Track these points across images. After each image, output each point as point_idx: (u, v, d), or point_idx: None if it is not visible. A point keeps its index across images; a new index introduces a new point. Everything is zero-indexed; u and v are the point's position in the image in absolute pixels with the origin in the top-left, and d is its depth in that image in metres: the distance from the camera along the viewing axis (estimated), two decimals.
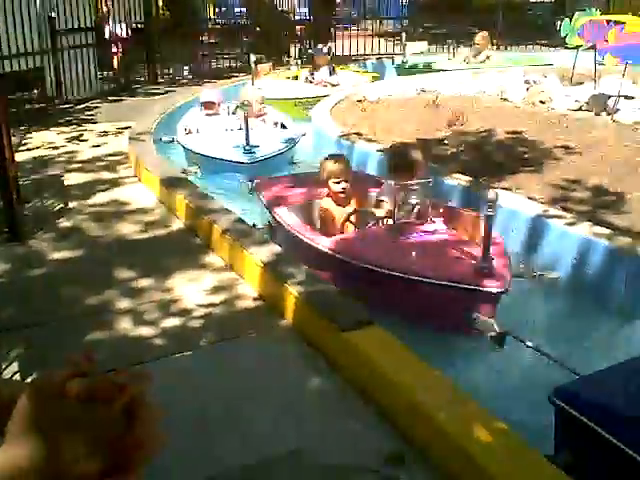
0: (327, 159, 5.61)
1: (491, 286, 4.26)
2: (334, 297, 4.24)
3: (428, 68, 13.86)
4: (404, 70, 14.01)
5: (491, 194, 4.28)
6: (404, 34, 15.44)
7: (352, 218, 5.39)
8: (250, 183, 6.55)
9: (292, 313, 4.28)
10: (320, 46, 12.30)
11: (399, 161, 5.42)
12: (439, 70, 13.33)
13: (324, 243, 5.00)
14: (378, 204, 5.34)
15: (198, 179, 7.36)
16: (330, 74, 11.73)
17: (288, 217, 5.52)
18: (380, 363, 3.58)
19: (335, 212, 5.47)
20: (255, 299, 4.66)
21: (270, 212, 5.86)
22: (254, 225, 5.85)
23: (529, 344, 4.21)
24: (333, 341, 3.86)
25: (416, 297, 4.48)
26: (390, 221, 5.09)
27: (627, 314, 5.00)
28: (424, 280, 4.42)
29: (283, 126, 8.72)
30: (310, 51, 12.51)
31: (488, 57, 14.14)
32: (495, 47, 15.50)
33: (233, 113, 8.56)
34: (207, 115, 8.77)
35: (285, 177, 6.89)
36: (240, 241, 5.06)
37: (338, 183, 5.42)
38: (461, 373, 4.09)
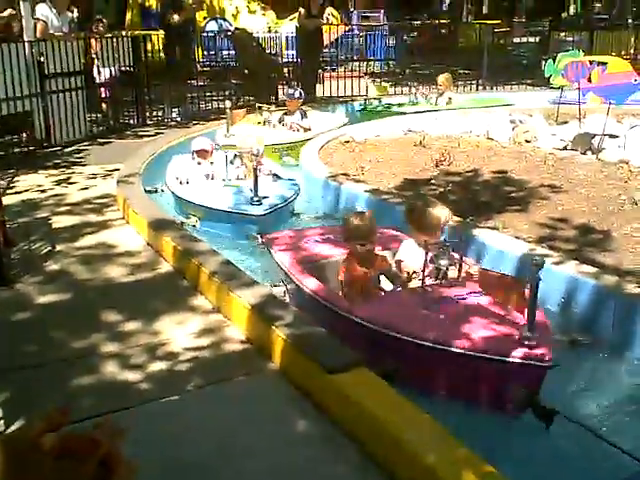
0: (351, 217, 5.17)
1: (540, 359, 3.95)
2: (322, 339, 4.23)
3: (389, 110, 13.87)
4: (368, 113, 14.08)
5: (538, 259, 3.99)
6: (367, 78, 15.77)
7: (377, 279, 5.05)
8: (259, 237, 6.26)
9: (279, 356, 4.26)
10: (291, 90, 11.99)
11: (424, 217, 4.96)
12: (402, 113, 13.28)
13: (350, 309, 4.62)
14: (399, 265, 4.99)
15: (196, 232, 7.03)
16: (302, 118, 11.52)
17: (306, 279, 5.07)
18: (367, 405, 3.56)
19: (358, 274, 4.97)
20: (242, 342, 4.64)
21: (284, 271, 5.45)
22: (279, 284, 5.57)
23: (579, 422, 3.90)
24: (320, 383, 3.84)
25: (454, 371, 4.19)
26: (414, 283, 4.79)
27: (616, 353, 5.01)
28: (465, 352, 4.08)
29: (276, 175, 8.38)
30: (283, 95, 12.33)
31: (450, 99, 14.02)
32: (456, 89, 15.58)
33: (231, 162, 8.17)
34: (200, 164, 8.41)
35: (295, 231, 6.49)
36: (228, 283, 5.05)
37: (363, 245, 5.00)
38: (504, 457, 3.76)
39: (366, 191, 7.63)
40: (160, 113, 13.37)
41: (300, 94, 11.89)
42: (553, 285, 5.42)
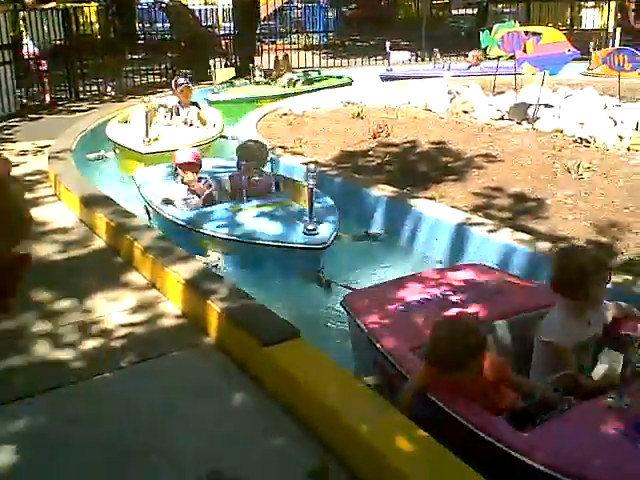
0: None
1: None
2: (258, 312, 4.19)
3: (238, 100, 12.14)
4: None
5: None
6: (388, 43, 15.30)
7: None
8: (321, 273, 5.34)
9: (215, 329, 4.21)
10: (181, 79, 9.72)
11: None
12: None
13: (512, 442, 2.91)
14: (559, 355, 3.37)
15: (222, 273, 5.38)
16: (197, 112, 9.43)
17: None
18: (303, 377, 3.54)
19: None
20: (178, 317, 4.57)
21: (386, 358, 3.62)
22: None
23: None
24: (256, 356, 3.81)
25: None
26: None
27: None
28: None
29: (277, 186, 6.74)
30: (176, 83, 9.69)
31: (291, 80, 13.04)
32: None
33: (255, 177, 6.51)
34: (185, 183, 6.46)
35: (384, 286, 4.58)
36: (162, 259, 4.96)
37: None
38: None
39: (303, 163, 7.59)
40: (94, 88, 13.06)
41: (190, 81, 10.05)
42: (489, 252, 5.49)
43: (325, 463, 3.11)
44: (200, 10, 17.09)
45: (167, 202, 6.33)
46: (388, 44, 15.44)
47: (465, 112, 10.22)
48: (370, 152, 8.29)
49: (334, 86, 13.18)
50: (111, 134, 8.96)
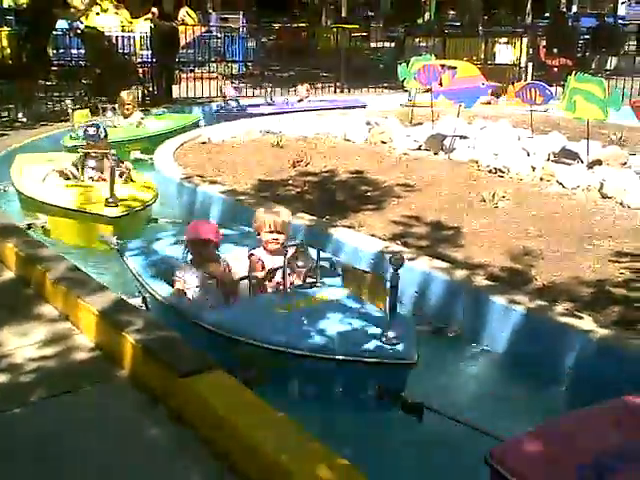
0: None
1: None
2: (173, 343, 4.09)
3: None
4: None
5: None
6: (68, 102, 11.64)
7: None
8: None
9: (130, 361, 4.09)
10: (92, 130, 7.74)
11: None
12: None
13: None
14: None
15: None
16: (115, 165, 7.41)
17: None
18: (222, 408, 3.46)
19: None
20: (92, 349, 4.43)
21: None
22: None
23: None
24: (171, 388, 3.71)
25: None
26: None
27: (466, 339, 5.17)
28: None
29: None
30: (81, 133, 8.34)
31: (142, 119, 11.27)
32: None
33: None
34: (192, 256, 5.17)
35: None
36: (75, 290, 4.81)
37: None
38: (381, 450, 3.87)
39: (221, 192, 7.53)
40: (5, 114, 12.71)
41: (105, 132, 7.89)
42: (407, 280, 5.52)
43: None
44: (117, 37, 16.84)
45: (179, 293, 4.95)
46: (228, 85, 14.86)
47: (383, 142, 10.36)
48: (289, 181, 8.29)
49: (183, 126, 11.68)
50: (33, 191, 7.59)
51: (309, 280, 4.76)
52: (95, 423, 3.68)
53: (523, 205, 7.49)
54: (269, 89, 14.97)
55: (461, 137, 9.98)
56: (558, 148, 9.58)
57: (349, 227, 6.67)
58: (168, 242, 5.85)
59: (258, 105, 13.74)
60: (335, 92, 17.61)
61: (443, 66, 10.69)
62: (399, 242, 6.30)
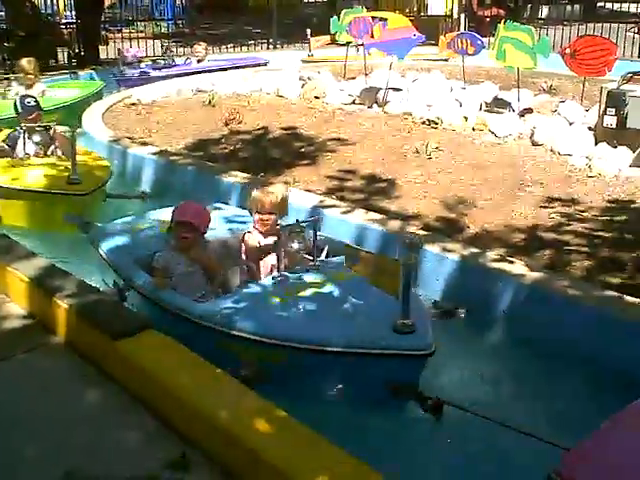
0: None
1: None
2: (107, 306, 4.02)
3: None
4: None
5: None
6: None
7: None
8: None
9: (64, 327, 4.01)
10: (29, 101, 6.99)
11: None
12: None
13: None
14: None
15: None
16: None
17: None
18: (157, 368, 3.43)
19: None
20: (24, 317, 4.32)
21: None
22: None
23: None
24: (106, 351, 3.66)
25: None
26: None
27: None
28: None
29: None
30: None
31: (44, 91, 9.68)
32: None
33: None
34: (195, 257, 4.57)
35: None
36: (2, 257, 4.68)
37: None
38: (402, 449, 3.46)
39: (153, 154, 7.39)
40: None
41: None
42: (343, 233, 5.54)
43: (184, 453, 3.03)
44: None
45: (161, 282, 4.41)
46: (128, 48, 13.97)
47: (317, 97, 10.29)
48: (222, 140, 8.19)
49: (88, 95, 10.57)
50: None
51: (309, 264, 4.26)
52: (32, 389, 3.61)
53: (456, 155, 7.56)
54: (170, 51, 14.49)
55: (394, 90, 9.97)
56: (490, 98, 9.67)
57: (285, 183, 6.62)
58: (144, 224, 5.15)
59: (160, 68, 13.14)
60: (268, 49, 17.39)
61: (374, 18, 10.63)
62: (334, 196, 6.30)
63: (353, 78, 11.21)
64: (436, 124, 8.77)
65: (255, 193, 4.53)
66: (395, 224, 5.52)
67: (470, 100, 9.43)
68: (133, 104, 9.98)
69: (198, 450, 3.04)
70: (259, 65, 13.71)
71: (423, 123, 8.85)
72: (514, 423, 3.30)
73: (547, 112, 9.06)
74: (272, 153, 7.71)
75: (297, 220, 4.21)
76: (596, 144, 7.61)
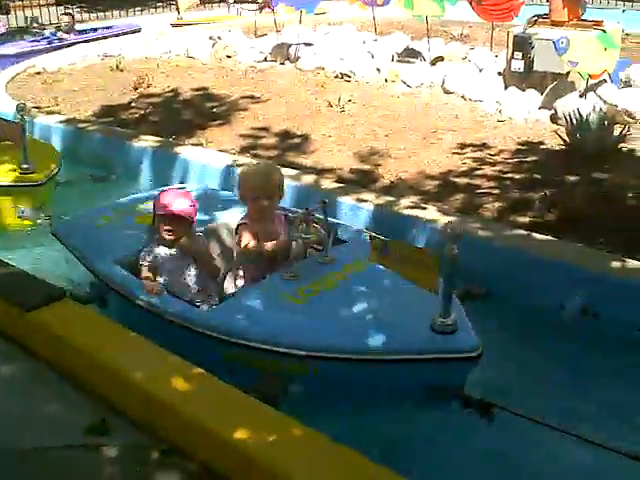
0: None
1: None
2: (19, 278, 3.91)
3: None
4: None
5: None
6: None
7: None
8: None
9: None
10: None
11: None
12: None
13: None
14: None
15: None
16: None
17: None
18: (72, 337, 3.36)
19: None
20: None
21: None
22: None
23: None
24: (21, 323, 3.56)
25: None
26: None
27: None
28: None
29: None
30: None
31: None
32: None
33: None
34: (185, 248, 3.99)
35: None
36: None
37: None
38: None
39: (60, 122, 7.17)
40: None
41: None
42: None
43: (104, 418, 3.00)
44: None
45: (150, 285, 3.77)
46: None
47: (228, 57, 10.12)
48: (132, 104, 7.99)
49: None
50: None
51: (320, 255, 3.72)
52: None
53: (369, 107, 7.57)
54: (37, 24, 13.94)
55: (306, 44, 9.88)
56: (402, 48, 9.69)
57: (197, 145, 6.54)
58: (116, 216, 4.46)
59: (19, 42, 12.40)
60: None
61: None
62: (248, 154, 6.24)
63: (264, 35, 11.07)
64: (349, 77, 8.75)
65: (247, 176, 3.90)
66: (309, 178, 5.51)
67: (382, 52, 9.43)
68: (37, 73, 9.62)
69: (118, 413, 3.01)
70: (133, 32, 13.23)
71: (336, 77, 8.81)
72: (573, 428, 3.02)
73: (458, 60, 9.14)
74: (184, 115, 7.57)
75: (306, 208, 3.54)
76: (506, 89, 7.73)
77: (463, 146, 6.38)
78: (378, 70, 8.85)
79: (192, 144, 6.53)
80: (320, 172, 5.75)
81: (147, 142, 6.52)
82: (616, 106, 6.88)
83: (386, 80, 8.62)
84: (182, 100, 8.09)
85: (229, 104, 7.80)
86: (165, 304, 3.57)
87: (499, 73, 8.20)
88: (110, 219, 4.39)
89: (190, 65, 9.81)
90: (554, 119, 6.91)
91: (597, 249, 4.27)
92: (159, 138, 6.65)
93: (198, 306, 3.71)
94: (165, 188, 4.51)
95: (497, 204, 5.08)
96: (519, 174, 5.65)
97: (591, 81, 7.22)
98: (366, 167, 5.95)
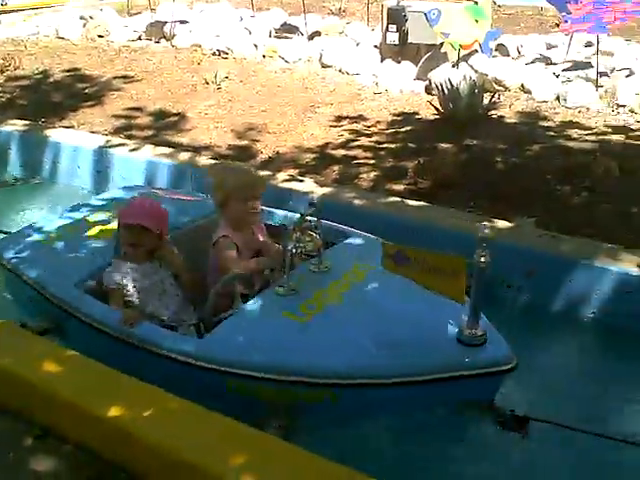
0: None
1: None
2: None
3: None
4: None
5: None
6: None
7: None
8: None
9: None
10: None
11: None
12: None
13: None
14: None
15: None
16: None
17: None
18: None
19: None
20: None
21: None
22: None
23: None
24: None
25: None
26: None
27: None
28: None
29: None
30: None
31: None
32: None
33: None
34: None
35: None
36: None
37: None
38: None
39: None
40: None
41: None
42: (134, 171, 5.37)
43: None
44: None
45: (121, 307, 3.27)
46: None
47: (100, 36, 9.78)
48: None
49: None
50: None
51: (312, 263, 3.22)
52: None
53: (247, 83, 7.50)
54: None
55: (181, 22, 9.67)
56: (279, 24, 9.63)
57: (69, 127, 6.31)
58: (66, 231, 3.83)
59: None
60: None
61: None
62: (122, 135, 6.07)
63: (139, 13, 10.77)
64: (226, 54, 8.64)
65: (230, 176, 3.39)
66: (185, 156, 5.41)
67: (259, 28, 9.35)
68: None
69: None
70: None
71: (213, 54, 8.69)
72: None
73: (335, 34, 9.17)
74: (54, 97, 7.27)
75: (301, 214, 3.13)
76: (382, 62, 7.80)
77: (340, 119, 6.41)
78: (255, 46, 8.77)
79: (63, 127, 6.29)
80: (197, 150, 5.66)
81: (15, 126, 6.24)
82: (486, 75, 7.06)
83: (264, 56, 8.56)
84: (52, 82, 7.77)
85: (102, 84, 7.55)
86: (148, 334, 3.03)
87: (375, 46, 8.27)
88: (58, 234, 3.77)
89: (60, 46, 9.43)
90: (428, 90, 7.03)
91: (467, 212, 4.38)
92: (27, 122, 6.36)
93: (174, 328, 3.20)
94: (116, 193, 4.19)
95: (373, 174, 5.13)
96: (394, 144, 5.72)
97: (463, 52, 7.37)
98: (243, 143, 5.89)
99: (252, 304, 3.05)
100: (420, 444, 2.80)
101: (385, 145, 5.71)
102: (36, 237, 3.78)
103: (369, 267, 3.17)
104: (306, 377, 2.76)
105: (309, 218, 3.12)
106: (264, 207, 3.57)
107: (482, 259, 2.56)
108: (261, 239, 3.45)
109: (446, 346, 2.74)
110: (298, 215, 3.22)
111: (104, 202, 4.08)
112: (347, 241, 3.50)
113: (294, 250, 3.01)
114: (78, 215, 3.96)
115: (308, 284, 3.09)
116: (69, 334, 3.35)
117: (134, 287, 3.26)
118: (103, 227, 3.73)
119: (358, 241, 3.50)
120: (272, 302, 3.03)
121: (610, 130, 5.89)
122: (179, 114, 6.60)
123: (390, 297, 3.01)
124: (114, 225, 3.49)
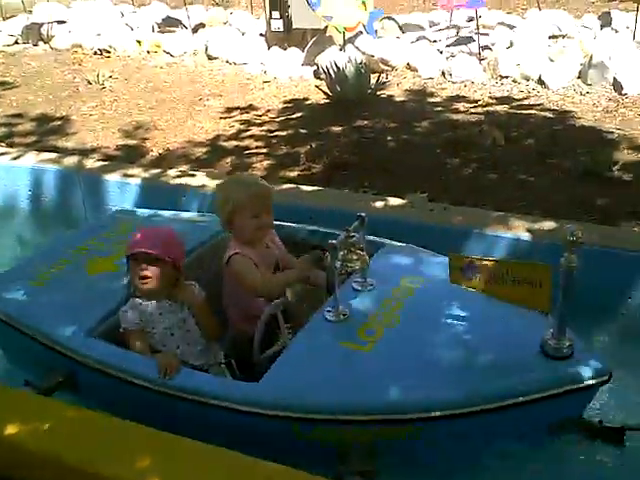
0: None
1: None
2: None
3: None
4: None
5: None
6: None
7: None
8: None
9: None
10: None
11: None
12: None
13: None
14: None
15: None
16: None
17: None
18: None
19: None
20: None
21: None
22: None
23: None
24: None
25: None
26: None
27: None
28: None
29: None
30: None
31: None
32: None
33: None
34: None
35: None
36: None
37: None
38: None
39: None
40: None
41: None
42: (17, 178, 5.16)
43: None
44: None
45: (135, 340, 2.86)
46: None
47: None
48: None
49: None
50: None
51: (356, 282, 2.86)
52: None
53: (131, 81, 7.32)
54: None
55: (59, 22, 9.35)
56: (161, 18, 9.44)
57: None
58: (62, 265, 3.33)
59: None
60: None
61: None
62: (3, 144, 5.81)
63: (13, 16, 10.34)
64: (108, 52, 8.42)
65: (239, 191, 2.97)
66: (72, 160, 5.21)
67: (141, 23, 9.14)
68: None
69: None
70: None
71: (95, 53, 8.45)
72: None
73: (219, 25, 9.05)
74: None
75: (346, 229, 2.71)
76: (269, 49, 7.75)
77: (230, 110, 6.33)
78: (139, 42, 8.58)
79: None
80: (84, 152, 5.47)
81: None
82: (372, 56, 7.11)
83: (148, 52, 8.39)
84: None
85: None
86: (192, 382, 2.61)
87: (261, 34, 8.21)
88: (50, 272, 3.25)
89: None
90: (317, 74, 7.03)
91: (362, 192, 4.38)
92: None
93: (206, 370, 2.83)
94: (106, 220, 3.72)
95: (266, 162, 5.09)
96: (286, 131, 5.69)
97: (348, 34, 7.39)
98: (132, 142, 5.74)
99: (303, 335, 2.67)
100: (512, 471, 2.52)
101: (277, 133, 5.67)
102: (28, 278, 3.24)
103: (418, 280, 2.90)
104: (389, 414, 2.42)
105: (353, 234, 2.72)
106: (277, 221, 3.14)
107: (572, 264, 2.34)
108: (277, 252, 3.09)
109: (535, 362, 2.48)
110: (324, 230, 3.06)
111: (95, 230, 3.61)
112: (383, 252, 3.14)
113: (342, 270, 2.67)
114: (73, 245, 3.47)
115: (358, 306, 2.74)
116: (82, 388, 2.89)
117: (151, 328, 2.85)
118: (101, 259, 3.26)
119: (395, 251, 3.17)
120: (324, 331, 2.66)
121: (494, 101, 6.03)
122: (63, 118, 6.38)
123: (451, 312, 2.71)
124: (114, 256, 3.17)
